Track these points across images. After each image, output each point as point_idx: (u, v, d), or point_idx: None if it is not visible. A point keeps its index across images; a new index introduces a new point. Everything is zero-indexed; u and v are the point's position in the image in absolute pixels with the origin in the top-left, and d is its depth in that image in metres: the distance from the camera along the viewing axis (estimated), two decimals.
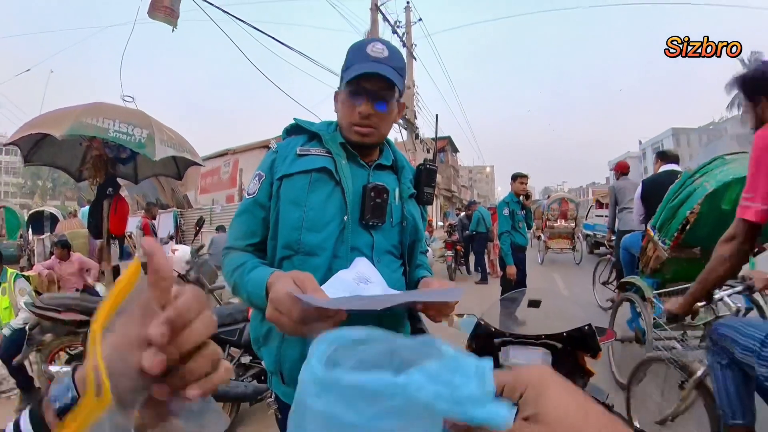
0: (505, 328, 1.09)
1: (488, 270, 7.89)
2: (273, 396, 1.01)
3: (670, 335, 1.80)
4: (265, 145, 11.28)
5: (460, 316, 1.14)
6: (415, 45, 15.18)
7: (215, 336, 2.19)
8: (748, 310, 1.42)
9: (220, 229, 7.04)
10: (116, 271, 4.38)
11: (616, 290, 3.24)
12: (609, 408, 0.86)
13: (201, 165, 4.36)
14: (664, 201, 2.31)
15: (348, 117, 0.96)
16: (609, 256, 4.99)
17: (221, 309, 2.67)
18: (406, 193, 1.04)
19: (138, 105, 4.22)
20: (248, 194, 0.99)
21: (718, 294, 1.39)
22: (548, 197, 14.45)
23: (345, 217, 0.93)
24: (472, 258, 8.61)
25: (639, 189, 3.21)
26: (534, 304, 1.11)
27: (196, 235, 5.12)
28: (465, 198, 33.61)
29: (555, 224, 10.79)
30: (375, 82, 0.92)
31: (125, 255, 7.77)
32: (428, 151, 19.01)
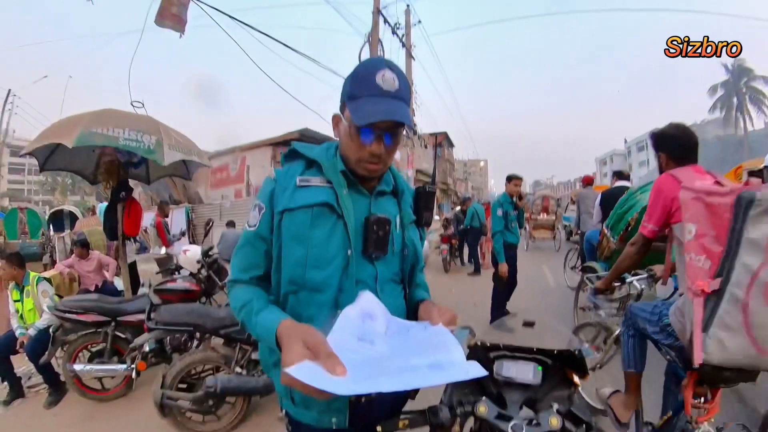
0: (500, 341, 1.09)
1: (480, 261, 7.93)
2: (284, 411, 0.99)
3: (608, 306, 2.35)
4: (270, 144, 11.19)
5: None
6: (414, 46, 14.98)
7: (227, 334, 2.18)
8: (648, 293, 1.93)
9: (230, 224, 6.99)
10: (132, 267, 4.40)
11: (580, 272, 4.00)
12: (590, 428, 0.85)
13: (208, 166, 4.33)
14: (615, 208, 3.13)
15: (356, 153, 0.90)
16: (576, 245, 5.91)
17: (229, 310, 2.67)
18: (407, 219, 1.01)
19: (148, 110, 4.16)
20: (249, 226, 0.95)
21: (629, 279, 1.91)
22: (534, 193, 16.41)
23: (349, 251, 0.89)
24: (466, 250, 8.66)
25: (598, 198, 4.11)
26: (528, 324, 1.10)
27: (206, 235, 5.10)
28: (460, 190, 33.54)
29: (538, 217, 12.39)
30: (388, 121, 0.86)
31: (142, 249, 7.83)
32: (426, 147, 18.85)
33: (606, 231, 2.70)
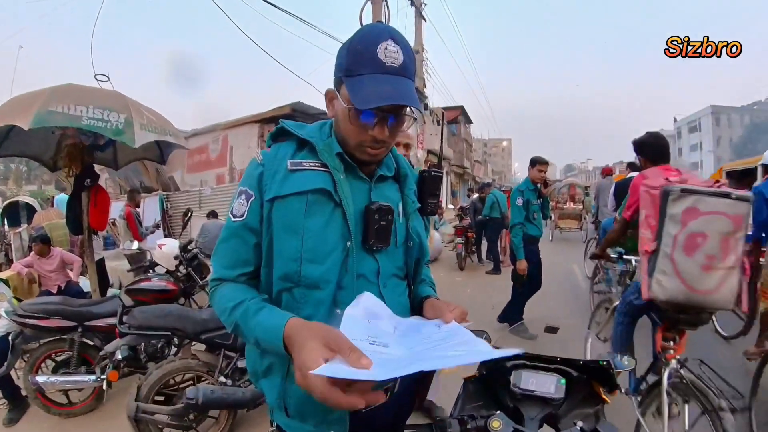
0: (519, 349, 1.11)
1: (501, 258, 7.91)
2: (274, 425, 1.02)
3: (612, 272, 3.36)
4: (257, 120, 11.16)
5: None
6: (425, 4, 14.70)
7: (209, 340, 2.23)
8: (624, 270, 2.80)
9: (212, 214, 7.03)
10: (100, 265, 4.45)
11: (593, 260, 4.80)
12: None
13: (185, 148, 4.35)
14: (625, 198, 3.77)
15: (356, 136, 0.92)
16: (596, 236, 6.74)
17: (212, 312, 2.71)
18: (411, 207, 1.03)
19: (114, 84, 4.17)
20: (234, 216, 0.96)
21: (627, 257, 2.57)
22: (562, 180, 17.75)
23: (348, 243, 0.92)
24: (484, 245, 8.62)
25: (612, 188, 4.59)
26: (551, 330, 1.12)
27: (183, 227, 5.13)
28: (478, 175, 33.26)
29: (564, 206, 13.69)
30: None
31: (110, 245, 7.88)
32: (438, 123, 18.67)
33: (618, 218, 3.04)
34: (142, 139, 3.33)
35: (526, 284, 4.25)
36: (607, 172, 7.82)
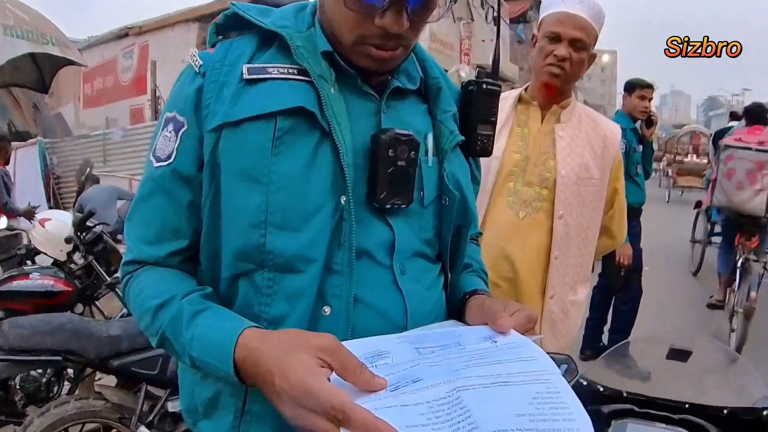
0: (623, 386, 1.12)
1: None
2: None
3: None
4: (196, 18, 11.07)
5: None
6: None
7: (123, 368, 2.23)
8: None
9: (89, 178, 6.81)
10: None
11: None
12: None
13: (80, 65, 4.32)
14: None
15: (355, 28, 0.90)
16: None
17: (126, 325, 2.73)
18: (449, 141, 1.04)
19: None
20: (157, 159, 0.96)
21: None
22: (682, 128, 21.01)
23: (342, 198, 0.92)
24: None
25: (711, 138, 6.92)
26: (679, 355, 1.12)
27: (79, 192, 5.16)
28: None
29: (685, 159, 16.10)
30: None
31: None
32: (494, 21, 18.20)
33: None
34: (9, 52, 3.31)
35: (623, 281, 4.32)
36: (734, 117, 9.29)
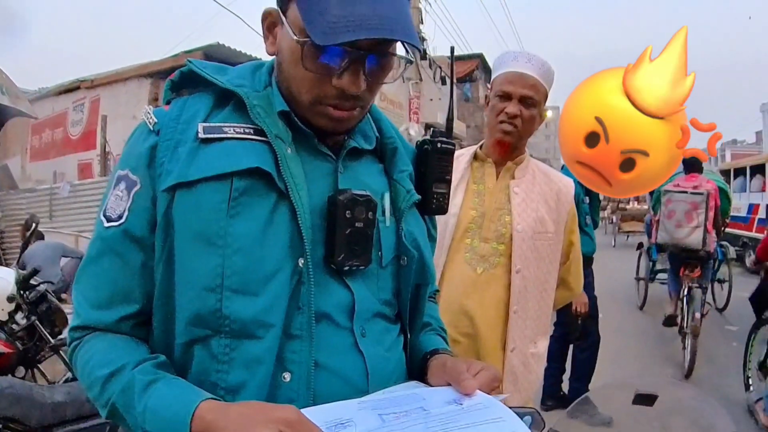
0: None
1: None
2: None
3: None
4: (149, 74, 11.05)
5: None
6: None
7: None
8: None
9: (35, 234, 6.61)
10: None
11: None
12: None
13: (30, 117, 4.25)
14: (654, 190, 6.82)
15: (313, 89, 0.91)
16: None
17: (72, 390, 2.64)
18: (406, 200, 1.04)
19: None
20: (108, 219, 0.94)
21: None
22: None
23: (300, 261, 0.91)
24: None
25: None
26: (644, 399, 1.13)
27: (24, 248, 5.03)
28: None
29: (627, 206, 17.29)
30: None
31: None
32: (443, 81, 18.62)
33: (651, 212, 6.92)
34: None
35: (580, 330, 4.37)
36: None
